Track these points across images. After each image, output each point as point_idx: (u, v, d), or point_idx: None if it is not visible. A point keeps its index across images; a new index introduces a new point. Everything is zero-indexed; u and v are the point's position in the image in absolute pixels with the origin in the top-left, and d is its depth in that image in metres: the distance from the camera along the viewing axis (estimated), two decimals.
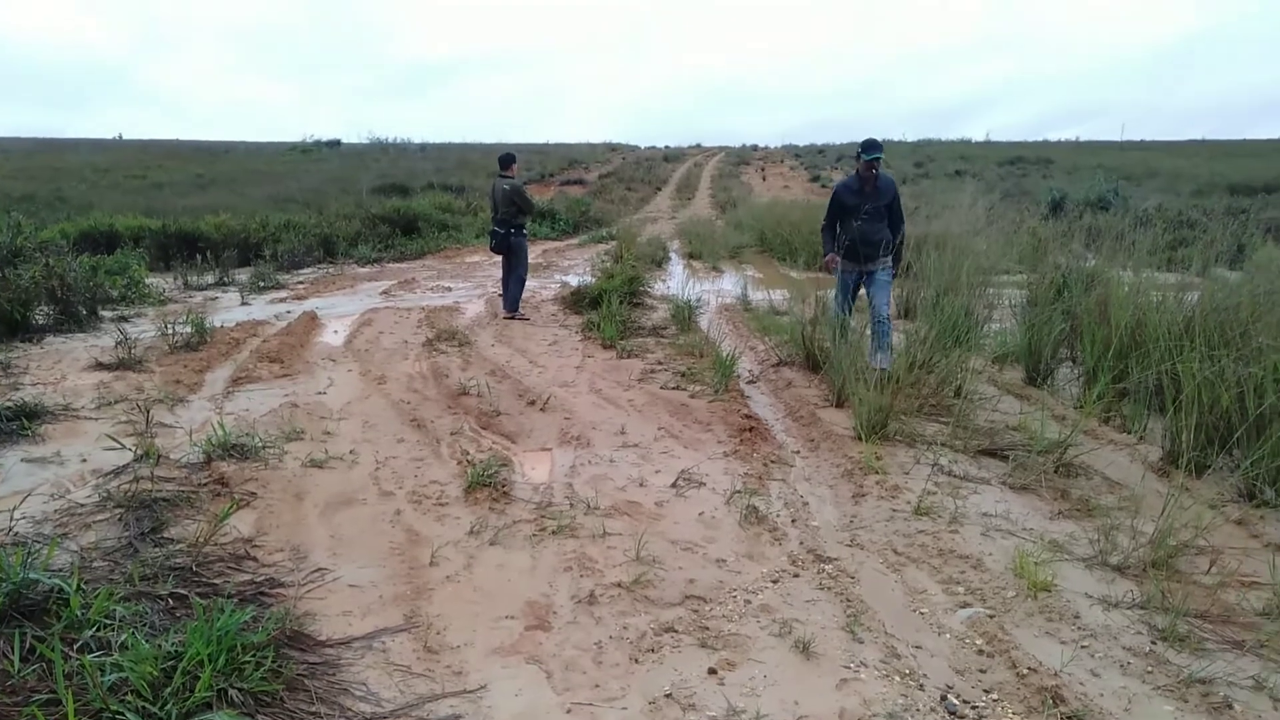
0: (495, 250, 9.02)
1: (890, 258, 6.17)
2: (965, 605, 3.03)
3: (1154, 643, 2.80)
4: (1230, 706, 2.46)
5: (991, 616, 2.94)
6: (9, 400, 5.00)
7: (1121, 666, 2.67)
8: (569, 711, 2.43)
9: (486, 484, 4.06)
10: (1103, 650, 2.76)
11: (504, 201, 8.69)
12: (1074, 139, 57.54)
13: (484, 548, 3.49)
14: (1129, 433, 4.97)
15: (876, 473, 4.28)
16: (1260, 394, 4.01)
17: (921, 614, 2.99)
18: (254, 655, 2.43)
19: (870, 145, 6.02)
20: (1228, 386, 4.14)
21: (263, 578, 3.14)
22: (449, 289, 11.43)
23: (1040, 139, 59.73)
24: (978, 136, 61.24)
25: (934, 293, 6.43)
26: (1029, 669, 2.61)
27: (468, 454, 4.58)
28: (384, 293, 10.98)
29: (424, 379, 6.25)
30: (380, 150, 44.61)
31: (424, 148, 47.26)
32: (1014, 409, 5.37)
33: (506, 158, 8.99)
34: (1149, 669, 2.65)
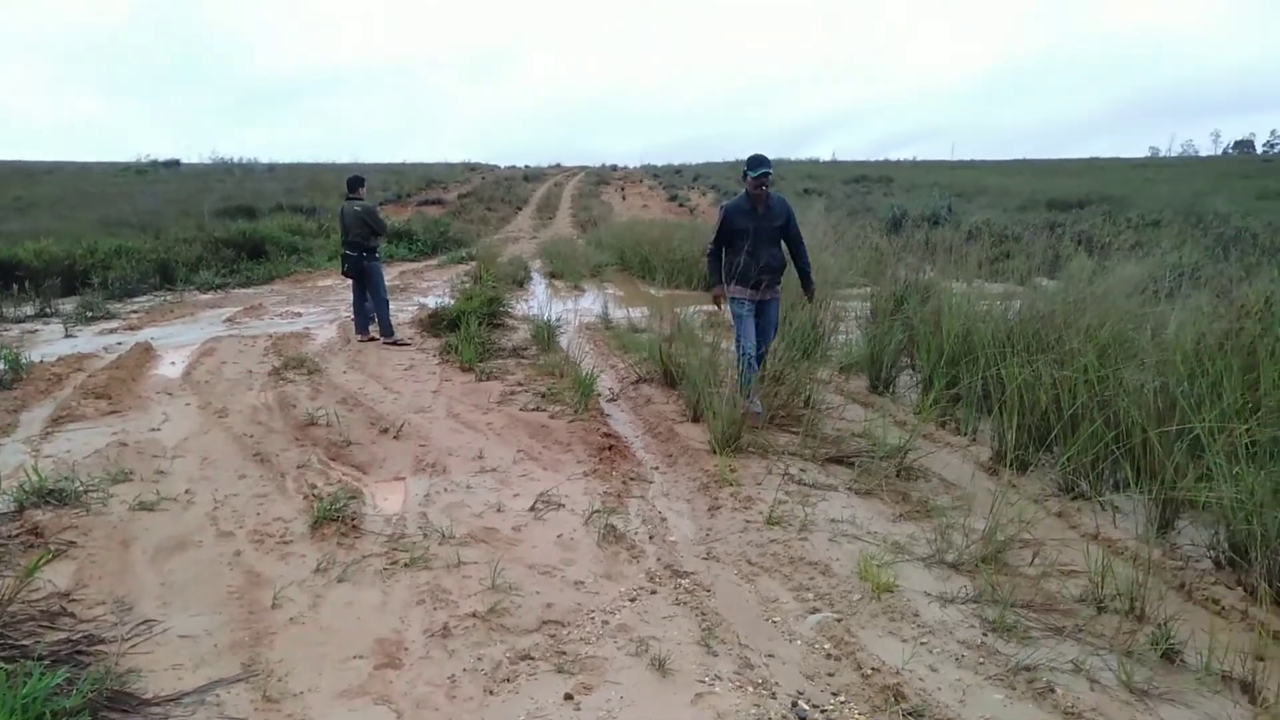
0: (347, 274, 8.75)
1: (780, 286, 5.74)
2: (815, 611, 3.13)
3: (985, 634, 2.97)
4: (1053, 690, 2.63)
5: (839, 620, 3.05)
6: None
7: (957, 660, 2.82)
8: None
9: (334, 518, 3.89)
10: (940, 645, 2.90)
11: (355, 224, 8.44)
12: (912, 158, 61.27)
13: (331, 585, 3.34)
14: (962, 435, 5.29)
15: (731, 485, 4.38)
16: (1073, 394, 4.35)
17: (774, 622, 3.07)
18: None
19: (757, 161, 5.41)
20: (1045, 388, 4.48)
21: (80, 635, 2.89)
22: (299, 314, 10.95)
23: (882, 158, 63.37)
24: (825, 156, 64.33)
25: (783, 308, 6.64)
26: (873, 669, 2.72)
27: (315, 488, 4.38)
28: (228, 320, 10.39)
29: (269, 410, 5.94)
30: (225, 171, 42.18)
31: (272, 168, 45.08)
32: (859, 416, 5.61)
33: (355, 180, 8.78)
34: (981, 660, 2.81)
